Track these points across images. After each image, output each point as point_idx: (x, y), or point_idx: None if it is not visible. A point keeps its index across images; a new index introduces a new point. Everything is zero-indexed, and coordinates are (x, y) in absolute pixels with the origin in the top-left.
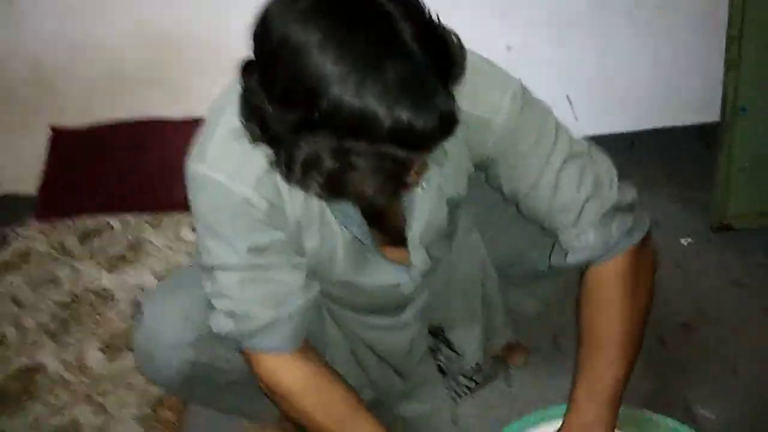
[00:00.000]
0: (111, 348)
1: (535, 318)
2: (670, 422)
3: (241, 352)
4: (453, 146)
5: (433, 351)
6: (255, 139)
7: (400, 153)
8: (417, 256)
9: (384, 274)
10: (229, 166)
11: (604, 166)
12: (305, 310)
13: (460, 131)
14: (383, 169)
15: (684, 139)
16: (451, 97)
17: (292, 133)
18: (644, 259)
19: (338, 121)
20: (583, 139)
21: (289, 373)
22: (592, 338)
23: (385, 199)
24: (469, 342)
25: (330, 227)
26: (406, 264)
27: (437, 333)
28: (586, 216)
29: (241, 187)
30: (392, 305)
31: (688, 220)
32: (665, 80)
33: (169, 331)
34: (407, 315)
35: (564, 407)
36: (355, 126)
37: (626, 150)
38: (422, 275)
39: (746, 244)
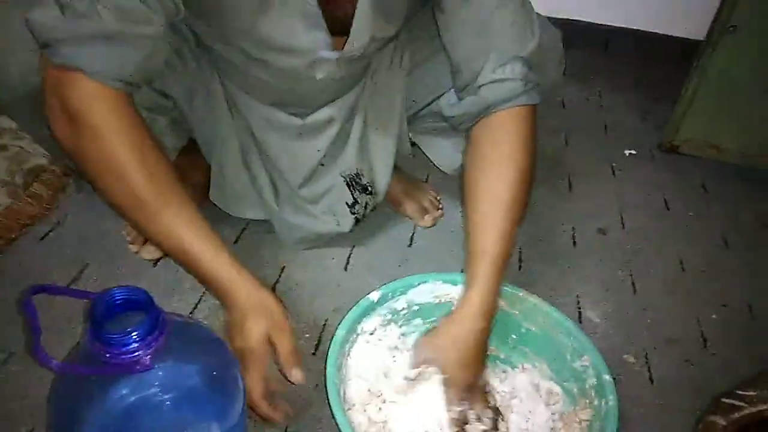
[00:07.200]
0: None
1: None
2: (556, 313)
3: (50, 67)
4: None
5: (351, 206)
6: None
7: None
8: (361, 24)
9: (297, 27)
10: None
11: (534, 17)
12: (160, 46)
13: None
14: None
15: (662, 50)
16: None
17: None
18: (535, 125)
19: None
20: None
21: (113, 106)
22: (482, 195)
23: None
24: (381, 174)
25: None
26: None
27: (355, 182)
28: (515, 49)
29: None
30: (302, 91)
31: (639, 132)
32: None
33: (10, 31)
34: (321, 115)
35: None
36: None
37: (601, 46)
38: (346, 61)
39: (688, 171)
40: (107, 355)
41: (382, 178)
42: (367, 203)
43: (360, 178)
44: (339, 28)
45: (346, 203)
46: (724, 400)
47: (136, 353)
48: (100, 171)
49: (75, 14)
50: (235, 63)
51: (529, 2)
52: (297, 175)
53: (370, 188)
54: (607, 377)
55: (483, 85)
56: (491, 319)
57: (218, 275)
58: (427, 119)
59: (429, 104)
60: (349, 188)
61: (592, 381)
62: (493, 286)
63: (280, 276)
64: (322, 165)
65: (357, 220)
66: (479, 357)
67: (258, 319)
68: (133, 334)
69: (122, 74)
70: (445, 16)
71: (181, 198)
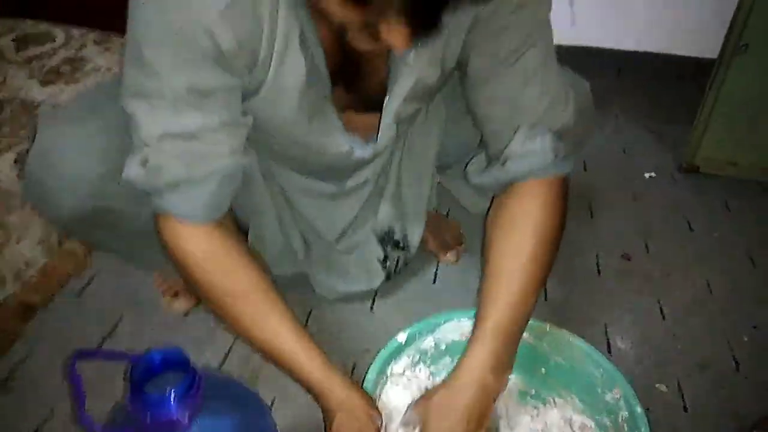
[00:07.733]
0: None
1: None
2: (584, 345)
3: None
4: None
5: (383, 261)
6: None
7: None
8: (387, 126)
9: (336, 136)
10: None
11: (568, 85)
12: (228, 176)
13: None
14: None
15: (675, 71)
16: None
17: None
18: (565, 195)
19: None
20: None
21: (196, 244)
22: (501, 264)
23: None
24: (414, 230)
25: (294, 59)
26: (366, 136)
27: (387, 237)
28: (545, 121)
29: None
30: (340, 169)
31: (657, 154)
32: (676, 4)
33: (65, 159)
34: (355, 180)
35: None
36: None
37: (614, 70)
38: (381, 149)
39: (708, 190)
40: (148, 416)
41: (414, 233)
42: (398, 258)
43: (392, 234)
44: (374, 105)
45: (377, 259)
46: (756, 431)
47: (175, 413)
48: (200, 296)
49: (151, 168)
50: (273, 149)
51: (560, 69)
52: (332, 233)
53: (402, 244)
54: (639, 409)
55: (509, 158)
56: (490, 390)
57: (311, 379)
58: (457, 169)
59: (460, 159)
60: (381, 244)
61: (625, 413)
62: (488, 355)
63: (307, 319)
64: (356, 218)
65: (388, 275)
66: (463, 428)
67: (346, 422)
68: (171, 395)
69: (201, 211)
70: (472, 93)
71: (270, 307)
